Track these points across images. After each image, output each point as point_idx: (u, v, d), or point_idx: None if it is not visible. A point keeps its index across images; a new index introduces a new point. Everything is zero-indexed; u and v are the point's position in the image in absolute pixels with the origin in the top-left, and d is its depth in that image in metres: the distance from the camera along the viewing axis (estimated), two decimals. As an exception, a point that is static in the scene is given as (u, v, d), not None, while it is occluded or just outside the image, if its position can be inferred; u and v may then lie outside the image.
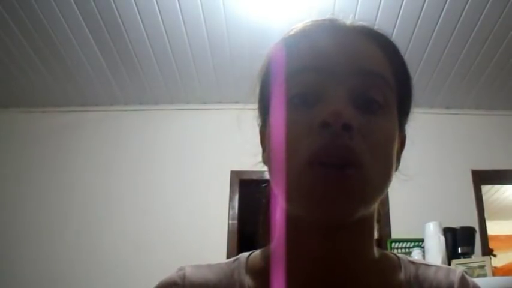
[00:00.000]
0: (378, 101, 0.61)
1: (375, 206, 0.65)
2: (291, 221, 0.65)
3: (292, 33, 0.69)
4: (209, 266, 0.71)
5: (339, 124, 0.56)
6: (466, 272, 2.94)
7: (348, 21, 0.70)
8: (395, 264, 0.71)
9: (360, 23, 0.69)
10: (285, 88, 0.63)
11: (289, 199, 0.62)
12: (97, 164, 3.94)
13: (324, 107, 0.58)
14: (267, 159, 0.67)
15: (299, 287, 0.65)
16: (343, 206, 0.58)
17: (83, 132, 4.05)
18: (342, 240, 0.63)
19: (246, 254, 0.73)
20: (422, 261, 0.73)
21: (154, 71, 3.65)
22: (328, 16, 0.72)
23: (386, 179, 0.62)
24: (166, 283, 0.69)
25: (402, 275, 0.69)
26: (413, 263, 0.71)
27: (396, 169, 0.68)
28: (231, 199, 3.77)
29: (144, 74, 3.69)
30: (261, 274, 0.68)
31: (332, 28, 0.68)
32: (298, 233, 0.64)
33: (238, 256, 0.73)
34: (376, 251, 0.69)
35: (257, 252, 0.73)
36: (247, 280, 0.67)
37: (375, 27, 0.70)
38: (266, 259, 0.69)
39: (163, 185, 3.86)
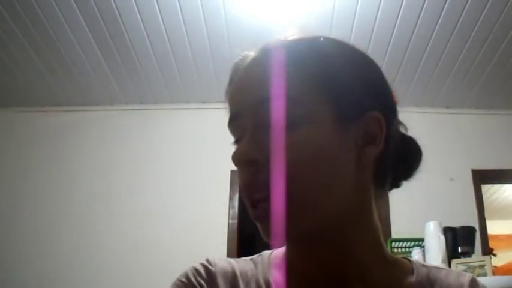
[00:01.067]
0: (286, 123, 0.60)
1: (362, 203, 0.66)
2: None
3: (230, 73, 0.74)
4: (235, 259, 0.75)
5: (241, 164, 0.61)
6: (466, 271, 2.94)
7: (270, 44, 0.69)
8: (407, 267, 0.72)
9: (284, 44, 0.67)
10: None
11: None
12: (97, 164, 3.94)
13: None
14: None
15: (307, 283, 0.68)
16: (278, 234, 0.61)
17: (83, 131, 4.05)
18: (331, 242, 0.65)
19: (268, 251, 0.77)
20: (434, 265, 0.75)
21: (154, 71, 3.65)
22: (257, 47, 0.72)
23: (322, 190, 0.61)
24: (195, 266, 0.72)
25: (414, 278, 0.70)
26: (425, 266, 0.73)
27: (374, 153, 0.65)
28: (231, 199, 3.77)
29: (144, 74, 3.69)
30: (278, 269, 0.71)
31: (242, 66, 0.70)
32: (293, 242, 0.69)
33: (262, 253, 0.77)
34: (389, 255, 0.71)
35: (280, 250, 0.76)
36: (271, 272, 0.71)
37: (296, 37, 0.68)
38: (283, 256, 0.73)
39: (163, 184, 3.86)
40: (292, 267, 0.70)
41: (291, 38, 0.68)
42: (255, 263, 0.74)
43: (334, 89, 0.63)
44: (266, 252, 0.76)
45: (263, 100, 0.61)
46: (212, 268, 0.70)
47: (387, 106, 0.71)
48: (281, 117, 0.60)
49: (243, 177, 0.61)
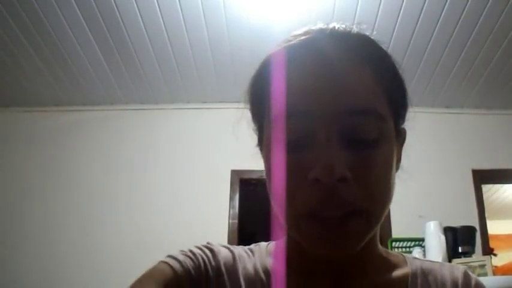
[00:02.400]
0: (371, 138, 0.59)
1: None
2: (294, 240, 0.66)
3: (280, 56, 0.65)
4: (233, 246, 0.76)
5: (332, 180, 0.55)
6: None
7: (335, 36, 0.64)
8: (400, 260, 0.74)
9: (347, 37, 0.65)
10: (275, 129, 0.61)
11: (290, 234, 0.65)
12: (97, 163, 3.94)
13: (315, 157, 0.56)
14: (266, 176, 0.66)
15: (305, 283, 0.68)
16: (341, 249, 0.59)
17: (84, 131, 4.05)
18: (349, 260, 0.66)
19: (265, 242, 0.78)
20: (426, 259, 0.76)
21: (155, 71, 3.65)
22: (314, 28, 0.65)
23: (386, 204, 0.62)
24: (198, 245, 0.73)
25: (407, 269, 0.72)
26: (417, 259, 0.75)
27: (397, 170, 0.68)
28: (231, 198, 3.77)
29: (144, 74, 3.69)
30: (281, 260, 0.71)
31: (320, 55, 0.62)
32: (300, 252, 0.66)
33: (259, 243, 0.78)
34: (383, 251, 0.73)
35: (277, 242, 0.76)
36: (267, 261, 0.72)
37: (364, 37, 0.67)
38: (281, 247, 0.73)
39: (163, 184, 3.87)
40: (292, 257, 0.70)
41: (360, 36, 0.67)
42: (252, 251, 0.75)
43: (398, 105, 0.65)
44: (263, 243, 0.77)
45: (354, 112, 0.58)
46: (214, 248, 0.72)
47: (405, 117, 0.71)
48: (371, 133, 0.59)
49: (322, 188, 0.56)
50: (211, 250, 0.71)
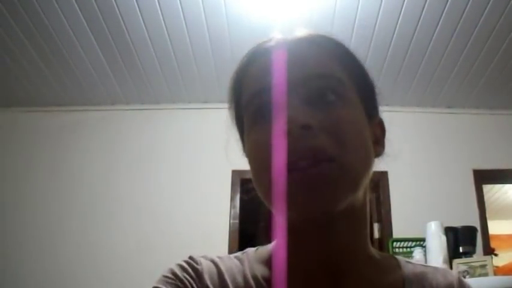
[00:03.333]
0: (332, 97, 0.64)
1: (365, 198, 0.68)
2: (284, 222, 0.66)
3: (246, 58, 0.74)
4: (218, 256, 0.74)
5: (297, 127, 0.59)
6: (467, 271, 2.95)
7: (294, 34, 0.72)
8: (394, 263, 0.74)
9: (305, 33, 0.71)
10: (249, 110, 0.67)
11: (271, 206, 0.64)
12: (98, 163, 3.94)
13: (277, 121, 0.61)
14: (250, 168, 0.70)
15: (301, 283, 0.67)
16: (321, 200, 0.59)
17: (85, 131, 4.06)
18: (335, 232, 0.65)
19: (252, 248, 0.76)
20: (419, 263, 0.76)
21: (155, 71, 3.66)
22: (274, 36, 0.74)
23: (364, 164, 0.64)
24: (179, 263, 0.71)
25: (401, 272, 0.72)
26: (409, 262, 0.75)
27: (380, 154, 0.72)
28: (232, 198, 3.77)
29: (145, 74, 3.70)
30: (267, 265, 0.71)
31: (279, 45, 0.70)
32: (293, 232, 0.66)
33: (245, 250, 0.76)
34: (375, 252, 0.72)
35: (264, 247, 0.76)
36: (257, 269, 0.70)
37: (321, 33, 0.72)
38: (271, 252, 0.72)
39: (164, 184, 3.87)
40: (282, 262, 0.69)
41: (313, 32, 0.72)
42: (239, 259, 0.73)
43: (363, 90, 0.70)
44: (250, 249, 0.76)
45: (313, 76, 0.64)
46: (198, 266, 0.70)
47: (378, 110, 0.76)
48: (332, 93, 0.64)
49: (291, 141, 0.58)
50: (195, 270, 0.69)
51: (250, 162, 0.68)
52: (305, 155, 0.59)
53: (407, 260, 0.76)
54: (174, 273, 0.68)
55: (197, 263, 0.70)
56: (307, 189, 0.59)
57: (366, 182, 0.65)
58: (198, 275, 0.69)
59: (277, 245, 0.73)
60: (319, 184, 0.59)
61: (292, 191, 0.59)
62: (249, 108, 0.67)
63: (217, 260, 0.72)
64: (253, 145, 0.66)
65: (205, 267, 0.70)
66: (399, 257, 0.76)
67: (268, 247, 0.75)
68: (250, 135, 0.67)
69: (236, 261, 0.73)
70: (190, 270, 0.69)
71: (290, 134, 0.58)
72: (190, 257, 0.72)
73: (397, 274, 0.72)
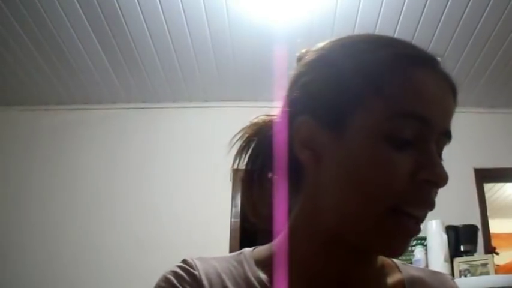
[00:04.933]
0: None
1: None
2: (317, 236, 0.66)
3: (397, 54, 0.65)
4: (214, 258, 0.72)
5: (443, 184, 0.62)
6: (468, 270, 2.95)
7: (443, 66, 0.68)
8: (393, 266, 0.75)
9: (450, 74, 0.68)
10: (393, 124, 0.60)
11: (355, 231, 0.63)
12: (100, 162, 3.94)
13: (430, 162, 0.61)
14: (311, 163, 0.66)
15: (305, 286, 0.67)
16: (404, 250, 0.63)
17: (86, 130, 4.05)
18: (367, 258, 0.68)
19: (248, 248, 0.75)
20: (413, 265, 0.79)
21: (157, 70, 3.65)
22: (429, 51, 0.69)
23: None
24: (175, 270, 0.69)
25: (401, 275, 0.73)
26: (407, 265, 0.77)
27: None
28: (233, 197, 3.77)
29: (146, 73, 3.69)
30: (269, 267, 0.69)
31: (438, 75, 0.65)
32: (319, 248, 0.66)
33: (241, 250, 0.75)
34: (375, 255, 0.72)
35: (261, 248, 0.74)
36: (259, 271, 0.69)
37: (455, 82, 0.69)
38: (272, 254, 0.71)
39: (165, 183, 3.87)
40: (285, 266, 0.69)
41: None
42: (238, 261, 0.71)
43: None
44: (246, 250, 0.75)
45: (448, 134, 0.67)
46: (195, 271, 0.67)
47: None
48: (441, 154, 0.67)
49: (431, 195, 0.62)
50: (193, 276, 0.67)
51: (371, 172, 0.61)
52: (427, 209, 0.63)
53: (403, 262, 0.77)
54: (169, 282, 0.67)
55: (193, 268, 0.68)
56: (409, 241, 0.63)
57: None
58: (196, 281, 0.67)
59: (262, 251, 0.73)
60: (410, 239, 0.63)
61: (394, 233, 0.61)
62: (392, 122, 0.60)
63: (213, 261, 0.70)
64: (392, 165, 0.60)
65: (202, 270, 0.68)
66: (396, 260, 0.76)
67: (266, 248, 0.74)
68: (381, 151, 0.60)
69: (234, 263, 0.71)
70: (186, 276, 0.67)
71: (433, 187, 0.62)
72: (185, 261, 0.70)
73: (397, 277, 0.72)
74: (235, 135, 0.76)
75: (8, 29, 3.17)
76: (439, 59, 0.67)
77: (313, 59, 0.69)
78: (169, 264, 0.72)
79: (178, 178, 3.89)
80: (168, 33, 3.25)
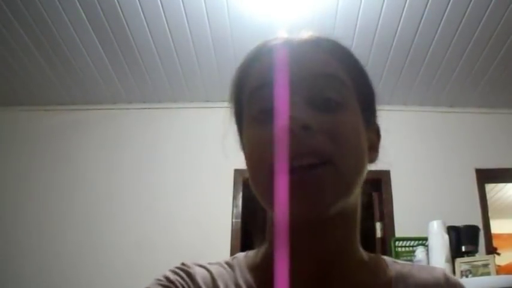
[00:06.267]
0: (335, 99, 0.64)
1: (357, 202, 0.69)
2: (278, 223, 0.64)
3: (250, 56, 0.72)
4: (208, 263, 0.73)
5: (298, 127, 0.59)
6: (469, 270, 2.95)
7: (299, 35, 0.71)
8: (382, 264, 0.75)
9: (310, 34, 0.71)
10: (249, 105, 0.67)
11: (265, 205, 0.65)
12: (100, 162, 3.95)
13: (279, 118, 0.60)
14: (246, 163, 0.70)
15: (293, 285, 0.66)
16: (315, 204, 0.60)
17: (86, 130, 4.06)
18: (325, 236, 0.66)
19: (242, 253, 0.76)
20: (405, 262, 0.77)
21: (157, 70, 3.66)
22: (279, 36, 0.73)
23: (358, 170, 0.64)
24: (173, 269, 0.71)
25: (389, 274, 0.73)
26: (396, 262, 0.76)
27: (374, 160, 0.73)
28: (234, 198, 3.77)
29: (147, 73, 3.70)
30: (258, 271, 0.71)
31: (284, 44, 0.69)
32: (285, 233, 0.64)
33: (236, 255, 0.76)
34: (364, 253, 0.73)
35: (253, 251, 0.76)
36: (249, 276, 0.70)
37: (325, 36, 0.72)
38: (262, 257, 0.72)
39: (166, 183, 3.87)
40: (270, 268, 0.68)
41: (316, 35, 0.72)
42: (230, 266, 0.73)
43: (364, 96, 0.70)
44: (240, 254, 0.76)
45: (318, 75, 0.65)
46: (191, 270, 0.70)
47: (376, 117, 0.77)
48: (334, 95, 0.64)
49: (292, 142, 0.58)
50: (188, 274, 0.69)
51: (247, 159, 0.68)
52: (304, 154, 0.59)
53: (394, 260, 0.77)
54: (166, 277, 0.68)
55: (189, 267, 0.71)
56: (303, 193, 0.59)
57: (359, 187, 0.66)
58: (191, 277, 0.69)
59: (254, 255, 0.74)
60: (315, 188, 0.59)
61: (285, 192, 0.58)
62: (250, 103, 0.67)
63: (208, 266, 0.72)
64: (252, 141, 0.66)
65: (198, 271, 0.70)
66: (386, 257, 0.76)
67: (258, 251, 0.75)
68: (249, 131, 0.67)
69: (227, 268, 0.73)
70: (182, 273, 0.69)
71: (291, 132, 0.58)
72: (182, 263, 0.72)
73: (385, 275, 0.73)
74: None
75: (9, 29, 3.17)
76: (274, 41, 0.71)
77: None
78: (169, 264, 0.73)
79: (179, 178, 3.89)
80: (169, 34, 3.25)
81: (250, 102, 0.67)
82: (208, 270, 0.71)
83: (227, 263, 0.74)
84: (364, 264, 0.72)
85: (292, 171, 0.58)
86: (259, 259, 0.73)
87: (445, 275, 0.74)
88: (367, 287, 0.70)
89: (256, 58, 0.70)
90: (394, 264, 0.75)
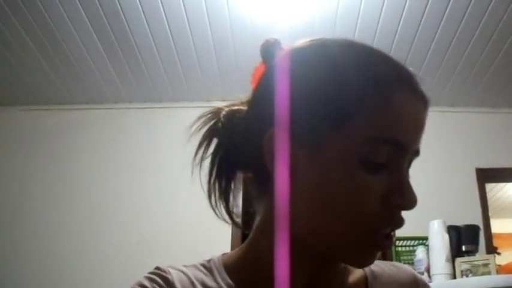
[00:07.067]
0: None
1: None
2: (290, 242, 0.64)
3: (378, 76, 0.63)
4: (184, 266, 0.72)
5: (412, 207, 0.63)
6: (470, 270, 2.95)
7: (419, 79, 0.69)
8: None
9: (426, 93, 0.70)
10: (362, 147, 0.60)
11: (327, 245, 0.64)
12: (101, 162, 3.95)
13: (401, 186, 0.62)
14: (303, 186, 0.64)
15: None
16: (373, 262, 0.66)
17: (87, 130, 4.06)
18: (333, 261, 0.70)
19: (216, 255, 0.76)
20: (377, 261, 0.79)
21: (158, 69, 3.66)
22: (408, 69, 0.70)
23: None
24: (148, 276, 0.70)
25: (362, 272, 0.75)
26: None
27: None
28: (234, 197, 3.76)
29: (148, 72, 3.70)
30: (240, 274, 0.70)
31: (415, 97, 0.67)
32: (286, 244, 0.64)
33: (210, 258, 0.75)
34: None
35: (230, 253, 0.76)
36: (228, 278, 0.70)
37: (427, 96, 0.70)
38: (243, 260, 0.72)
39: (167, 182, 3.86)
40: (253, 271, 0.69)
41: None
42: (208, 269, 0.72)
43: None
44: (215, 257, 0.75)
45: (417, 152, 0.67)
46: (168, 275, 0.68)
47: None
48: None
49: (400, 216, 0.64)
50: (165, 280, 0.67)
51: (344, 194, 0.60)
52: (396, 228, 0.65)
53: None
54: (142, 285, 0.68)
55: (166, 272, 0.69)
56: (373, 256, 0.65)
57: None
58: (168, 284, 0.67)
59: (230, 258, 0.74)
60: (377, 254, 0.65)
61: (373, 253, 0.64)
62: (368, 145, 0.60)
63: (185, 269, 0.71)
64: (365, 187, 0.60)
65: (175, 276, 0.69)
66: None
67: (235, 253, 0.75)
68: (363, 174, 0.60)
69: (204, 270, 0.72)
70: (159, 279, 0.68)
71: (403, 209, 0.63)
72: (157, 268, 0.71)
73: (358, 272, 0.74)
74: (193, 128, 0.82)
75: (10, 28, 3.17)
76: (416, 77, 0.67)
77: (291, 66, 0.66)
78: (170, 262, 0.73)
79: (180, 178, 3.89)
80: (169, 33, 3.25)
81: (368, 142, 0.60)
82: (185, 274, 0.69)
83: (203, 266, 0.73)
84: (341, 265, 0.73)
85: (383, 236, 0.63)
86: (240, 262, 0.72)
87: (413, 273, 0.79)
88: (344, 286, 0.72)
89: (405, 89, 0.65)
90: None
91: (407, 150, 0.63)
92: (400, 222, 0.63)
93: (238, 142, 0.74)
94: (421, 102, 0.66)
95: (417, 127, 0.65)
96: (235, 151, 0.76)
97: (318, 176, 0.61)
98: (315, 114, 0.61)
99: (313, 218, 0.62)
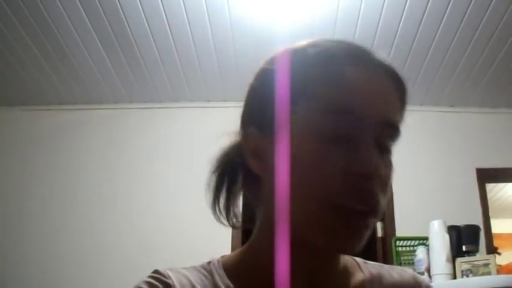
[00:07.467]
0: (390, 149, 0.65)
1: None
2: (290, 244, 0.65)
3: (326, 54, 0.65)
4: (184, 268, 0.72)
5: (377, 177, 0.60)
6: (470, 270, 2.95)
7: (378, 55, 0.66)
8: (354, 264, 0.76)
9: (388, 61, 0.67)
10: (324, 120, 0.61)
11: (303, 229, 0.63)
12: (101, 162, 3.95)
13: (362, 156, 0.59)
14: (264, 173, 0.68)
15: None
16: (355, 246, 0.61)
17: (87, 130, 4.06)
18: (330, 260, 0.69)
19: (216, 257, 0.76)
20: (374, 263, 0.79)
21: (158, 70, 3.66)
22: (360, 44, 0.68)
23: None
24: (148, 280, 0.70)
25: (362, 274, 0.74)
26: (368, 263, 0.78)
27: None
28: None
29: (148, 73, 3.70)
30: (240, 277, 0.70)
31: (369, 65, 0.65)
32: (286, 245, 0.65)
33: (210, 260, 0.75)
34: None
35: (230, 255, 0.76)
36: (228, 281, 0.70)
37: (396, 68, 0.68)
38: (243, 263, 0.72)
39: (167, 182, 3.87)
40: (253, 274, 0.69)
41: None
42: (208, 271, 0.72)
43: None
44: (214, 259, 0.75)
45: (392, 124, 0.64)
46: (168, 280, 0.67)
47: None
48: (391, 145, 0.65)
49: (364, 188, 0.59)
50: (166, 285, 0.67)
51: (298, 174, 0.61)
52: (367, 201, 0.60)
53: (364, 261, 0.78)
54: None
55: (166, 277, 0.68)
56: (358, 237, 0.61)
57: None
58: None
59: (230, 260, 0.74)
60: (364, 234, 0.61)
61: (337, 229, 0.60)
62: (321, 116, 0.61)
63: (184, 271, 0.71)
64: (323, 163, 0.60)
65: (176, 280, 0.68)
66: (357, 258, 0.78)
67: (235, 255, 0.75)
68: (321, 147, 0.61)
69: (204, 272, 0.72)
70: (159, 284, 0.67)
71: (369, 180, 0.59)
72: (157, 271, 0.71)
73: (358, 275, 0.74)
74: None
75: (10, 28, 3.18)
76: (374, 54, 0.66)
77: (258, 70, 0.72)
78: (171, 263, 0.73)
79: (180, 177, 3.89)
80: (170, 34, 3.25)
81: (320, 114, 0.61)
82: (186, 277, 0.69)
83: (203, 268, 0.73)
84: (343, 266, 0.73)
85: (353, 213, 0.59)
86: (240, 264, 0.73)
87: (414, 276, 0.77)
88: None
89: (355, 62, 0.64)
90: (365, 265, 0.77)
91: (369, 122, 0.61)
92: (371, 197, 0.59)
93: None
94: (386, 76, 0.65)
95: (379, 98, 0.63)
96: (243, 165, 0.77)
97: (291, 162, 0.63)
98: (269, 102, 0.65)
99: (294, 206, 0.62)
